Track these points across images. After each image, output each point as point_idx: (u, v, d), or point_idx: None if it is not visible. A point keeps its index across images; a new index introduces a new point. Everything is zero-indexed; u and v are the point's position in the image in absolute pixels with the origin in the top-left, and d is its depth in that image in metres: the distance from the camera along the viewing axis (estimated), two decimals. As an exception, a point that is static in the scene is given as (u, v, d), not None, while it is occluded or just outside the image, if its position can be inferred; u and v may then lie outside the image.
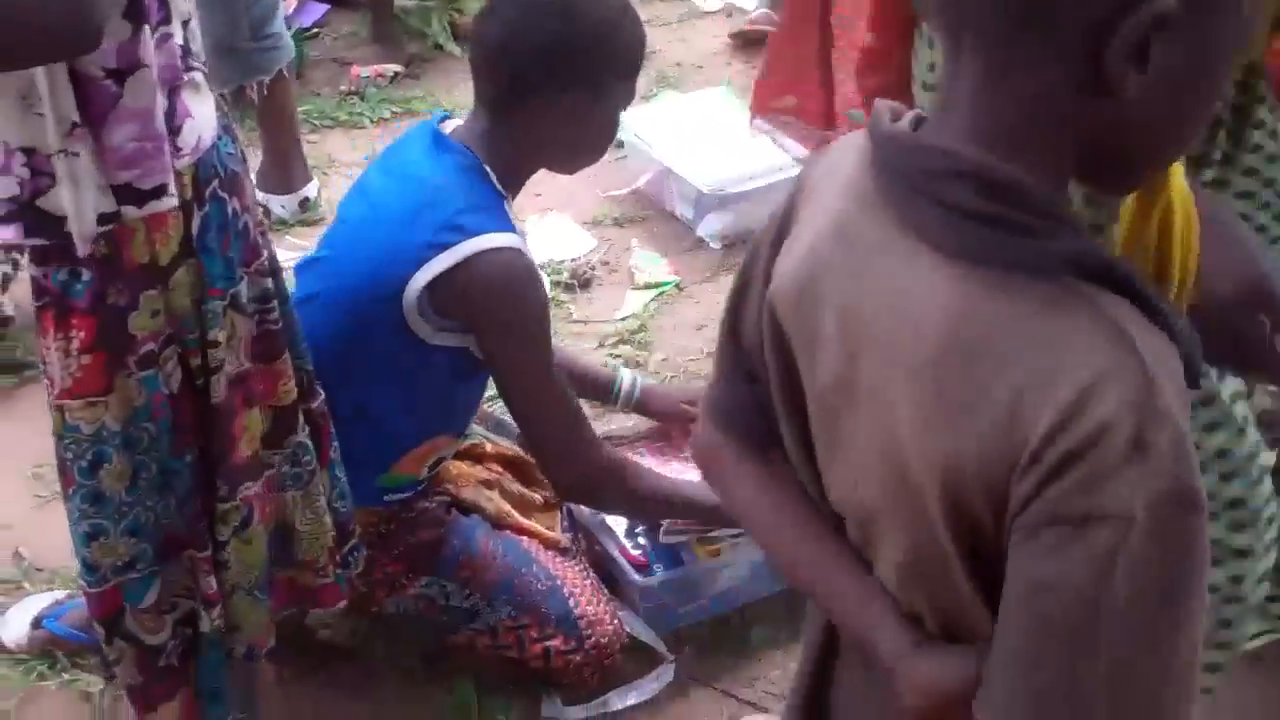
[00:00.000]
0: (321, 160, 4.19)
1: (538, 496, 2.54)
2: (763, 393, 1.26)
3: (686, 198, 3.79)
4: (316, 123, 4.47)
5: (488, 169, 2.17)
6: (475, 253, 2.08)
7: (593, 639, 2.33)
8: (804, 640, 1.38)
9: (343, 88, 4.69)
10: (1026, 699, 1.05)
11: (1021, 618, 1.04)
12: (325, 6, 5.05)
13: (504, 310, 2.13)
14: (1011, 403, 1.00)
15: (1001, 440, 1.01)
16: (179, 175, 1.68)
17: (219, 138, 1.76)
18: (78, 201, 1.60)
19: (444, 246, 2.08)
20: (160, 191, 1.65)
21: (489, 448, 2.55)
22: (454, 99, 4.69)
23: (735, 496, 1.36)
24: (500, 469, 2.53)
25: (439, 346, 2.15)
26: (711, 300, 3.56)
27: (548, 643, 2.32)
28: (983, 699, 1.08)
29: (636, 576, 2.43)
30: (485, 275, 2.10)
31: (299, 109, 4.44)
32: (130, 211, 1.64)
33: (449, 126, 2.25)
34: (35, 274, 1.69)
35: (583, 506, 2.53)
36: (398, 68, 4.81)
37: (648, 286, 3.46)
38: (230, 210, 1.76)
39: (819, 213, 1.17)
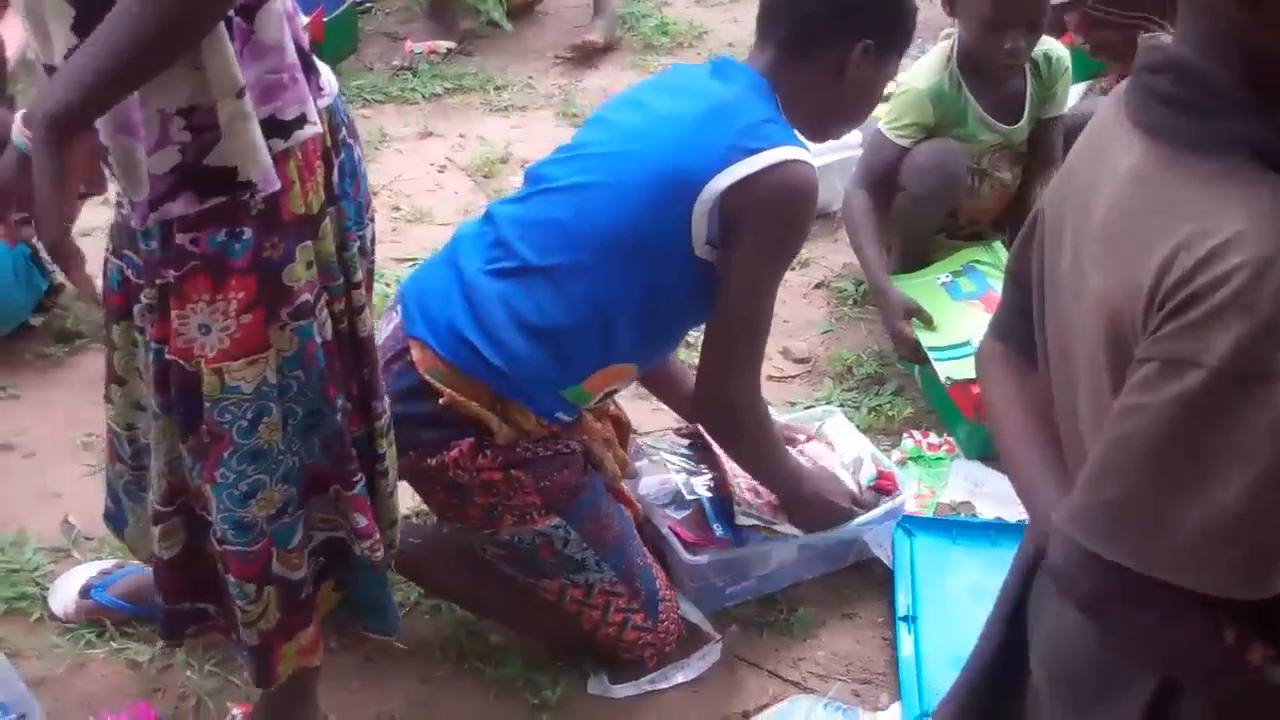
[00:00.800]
0: (373, 134, 4.18)
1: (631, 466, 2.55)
2: (1027, 297, 1.46)
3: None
4: (369, 97, 4.47)
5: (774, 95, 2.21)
6: (780, 161, 2.10)
7: (665, 623, 2.35)
8: (1015, 557, 1.53)
9: (395, 63, 4.69)
10: (1087, 507, 1.19)
11: (1108, 436, 1.17)
12: (379, -19, 5.07)
13: (786, 214, 2.15)
14: (1169, 255, 1.12)
15: (1152, 284, 1.13)
16: (320, 117, 1.69)
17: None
18: (252, 134, 1.58)
19: (750, 151, 2.10)
20: (302, 120, 1.64)
21: (611, 407, 2.53)
22: (507, 77, 4.68)
23: (988, 390, 1.58)
24: (613, 431, 2.52)
25: (697, 259, 2.16)
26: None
27: (629, 615, 2.32)
28: (1061, 506, 1.23)
29: (686, 555, 2.41)
30: (784, 182, 2.11)
31: (352, 83, 4.46)
32: (277, 144, 1.62)
33: None
34: (181, 240, 1.62)
35: (646, 478, 2.52)
36: (451, 44, 4.81)
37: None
38: (356, 155, 1.79)
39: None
